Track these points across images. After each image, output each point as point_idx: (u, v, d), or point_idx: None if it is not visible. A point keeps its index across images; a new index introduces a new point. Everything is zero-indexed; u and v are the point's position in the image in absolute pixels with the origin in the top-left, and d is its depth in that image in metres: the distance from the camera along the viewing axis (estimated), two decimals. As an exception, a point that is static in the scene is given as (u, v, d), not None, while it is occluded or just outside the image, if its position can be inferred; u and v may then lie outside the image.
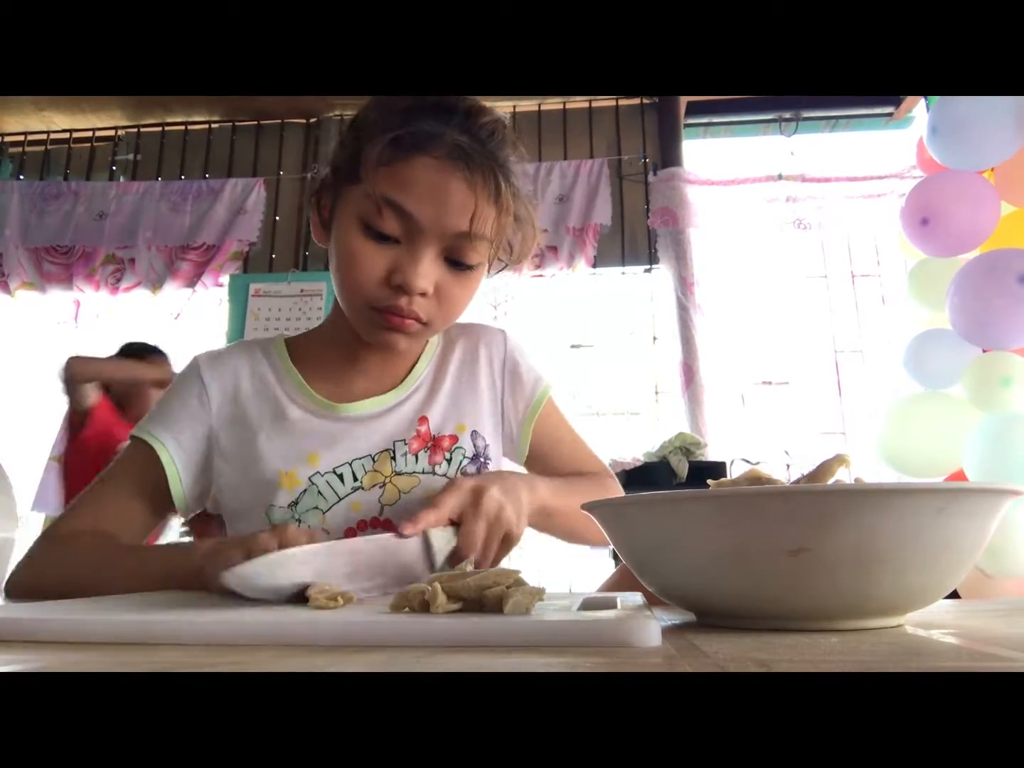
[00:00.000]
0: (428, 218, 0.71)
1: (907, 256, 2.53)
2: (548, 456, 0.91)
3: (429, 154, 0.70)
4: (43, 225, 3.55)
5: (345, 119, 3.64)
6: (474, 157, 0.71)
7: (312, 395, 0.84)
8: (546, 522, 0.79)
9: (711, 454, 2.92)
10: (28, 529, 3.26)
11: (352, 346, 0.85)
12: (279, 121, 3.70)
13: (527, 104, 3.56)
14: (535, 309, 3.22)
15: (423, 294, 0.73)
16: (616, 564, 2.49)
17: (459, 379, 0.89)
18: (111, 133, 3.81)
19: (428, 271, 0.73)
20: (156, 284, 3.42)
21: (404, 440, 0.83)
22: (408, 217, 0.71)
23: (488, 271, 0.81)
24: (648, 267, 3.38)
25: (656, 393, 3.30)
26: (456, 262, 0.75)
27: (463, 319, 0.83)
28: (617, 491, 0.90)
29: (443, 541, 0.64)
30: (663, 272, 3.30)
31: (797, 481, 0.49)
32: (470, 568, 0.52)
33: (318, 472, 0.80)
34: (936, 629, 0.43)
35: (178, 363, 3.40)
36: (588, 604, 0.48)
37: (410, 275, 0.72)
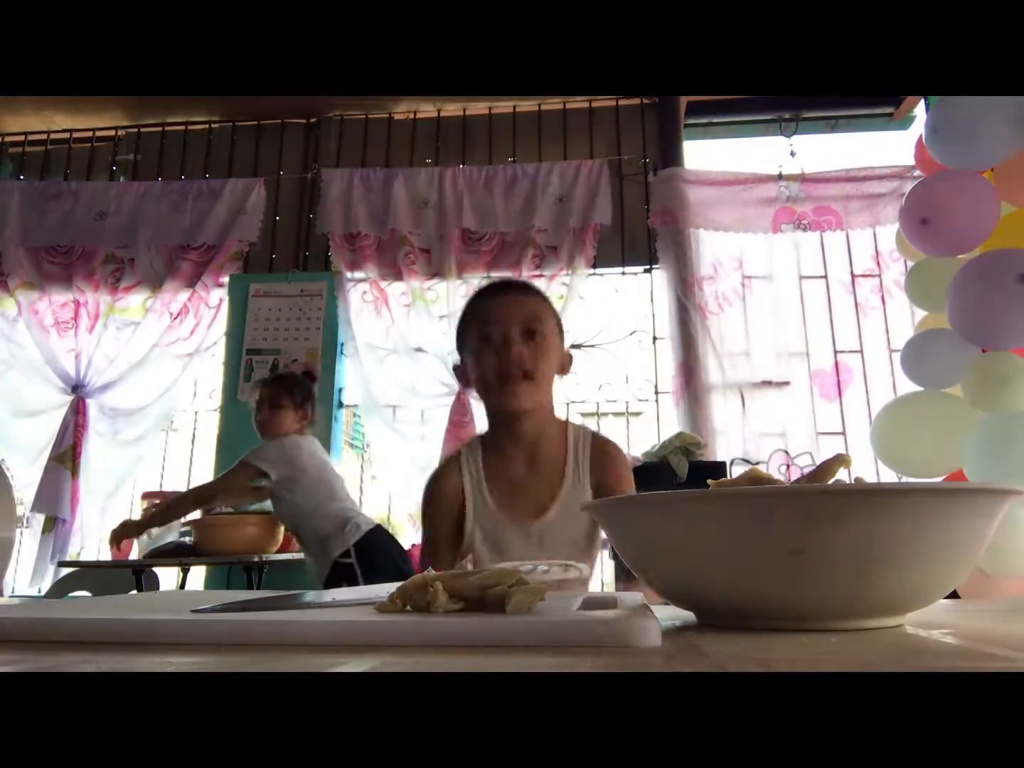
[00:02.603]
0: None
1: (907, 256, 2.53)
2: None
3: None
4: (43, 225, 3.55)
5: (345, 119, 3.64)
6: None
7: None
8: None
9: (711, 454, 2.92)
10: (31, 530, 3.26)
11: None
12: (279, 121, 3.70)
13: (527, 104, 3.56)
14: (535, 309, 3.21)
15: None
16: (616, 563, 2.49)
17: None
18: (111, 133, 3.81)
19: None
20: (156, 284, 3.42)
21: None
22: None
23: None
24: (648, 267, 3.38)
25: (656, 393, 3.30)
26: None
27: None
28: None
29: None
30: (663, 272, 3.30)
31: (797, 481, 0.49)
32: (470, 567, 0.52)
33: None
34: (936, 629, 0.43)
35: (173, 363, 3.40)
36: (588, 604, 0.48)
37: None
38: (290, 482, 2.28)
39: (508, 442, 1.16)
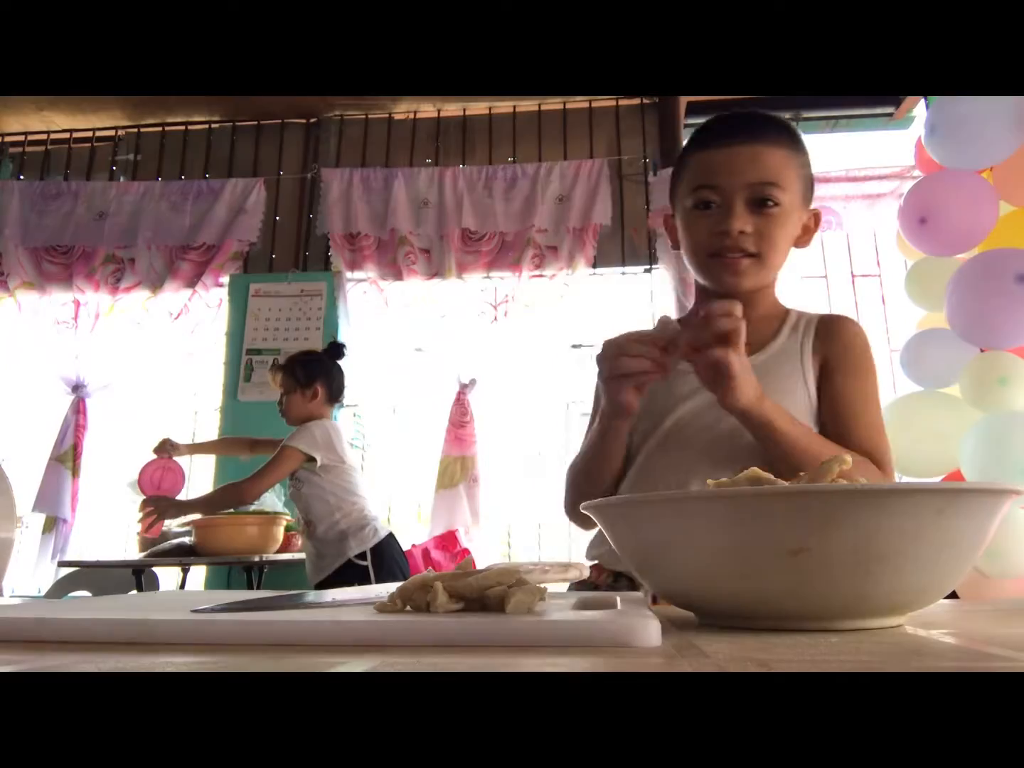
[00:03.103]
0: None
1: (906, 256, 2.53)
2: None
3: None
4: (43, 225, 3.55)
5: (345, 119, 3.64)
6: None
7: None
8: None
9: (711, 454, 2.91)
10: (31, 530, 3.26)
11: None
12: (279, 121, 3.69)
13: (527, 104, 3.56)
14: (535, 309, 3.22)
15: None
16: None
17: None
18: (111, 133, 3.81)
19: None
20: (156, 284, 3.41)
21: None
22: None
23: None
24: (648, 267, 3.38)
25: (656, 393, 3.29)
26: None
27: None
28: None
29: None
30: (663, 272, 3.30)
31: (797, 481, 0.49)
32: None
33: None
34: (936, 629, 0.43)
35: (173, 363, 3.40)
36: (588, 604, 0.48)
37: None
38: (325, 469, 2.23)
39: None
